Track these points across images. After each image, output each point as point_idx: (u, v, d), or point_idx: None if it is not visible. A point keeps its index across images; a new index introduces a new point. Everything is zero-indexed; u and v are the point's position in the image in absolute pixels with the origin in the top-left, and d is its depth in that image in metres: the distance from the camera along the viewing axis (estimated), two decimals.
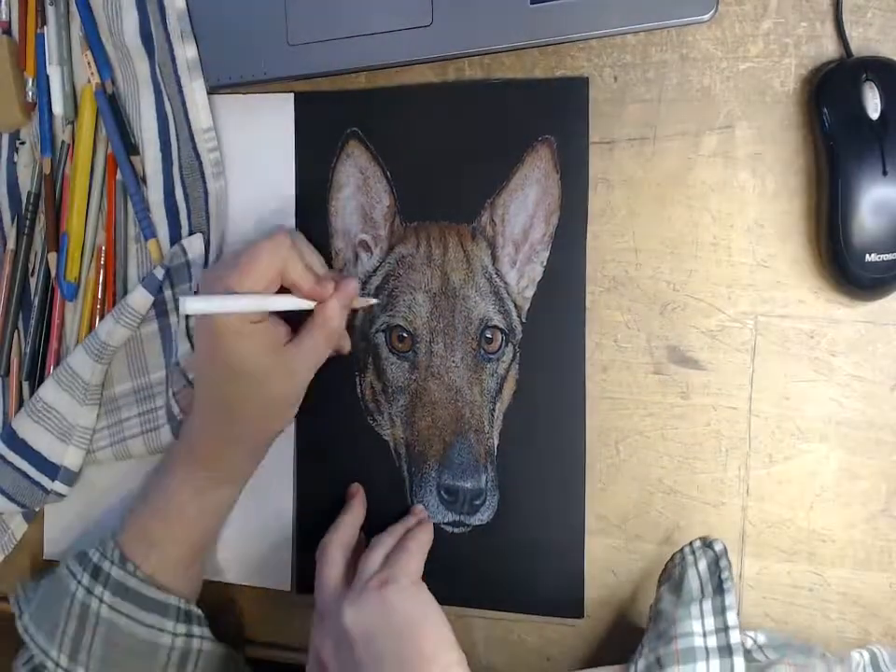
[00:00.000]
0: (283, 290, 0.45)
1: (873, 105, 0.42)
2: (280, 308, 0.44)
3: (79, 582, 0.46)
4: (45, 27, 0.53)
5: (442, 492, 0.50)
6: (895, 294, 0.44)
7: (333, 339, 0.46)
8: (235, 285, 0.42)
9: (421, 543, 0.47)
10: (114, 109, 0.52)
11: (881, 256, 0.42)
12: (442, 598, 0.50)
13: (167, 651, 0.46)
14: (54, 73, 0.53)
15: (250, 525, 0.53)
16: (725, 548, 0.41)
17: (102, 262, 0.54)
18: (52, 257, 0.54)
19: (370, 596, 0.41)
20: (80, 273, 0.54)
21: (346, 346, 0.50)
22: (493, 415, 0.49)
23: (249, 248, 0.44)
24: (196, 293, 0.50)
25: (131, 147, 0.52)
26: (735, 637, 0.37)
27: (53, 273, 0.54)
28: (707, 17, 0.44)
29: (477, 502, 0.49)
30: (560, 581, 0.49)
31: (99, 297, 0.54)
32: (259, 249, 0.43)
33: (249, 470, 0.49)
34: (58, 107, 0.54)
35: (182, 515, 0.47)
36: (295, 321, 0.46)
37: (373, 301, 0.49)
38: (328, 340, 0.46)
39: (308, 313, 0.45)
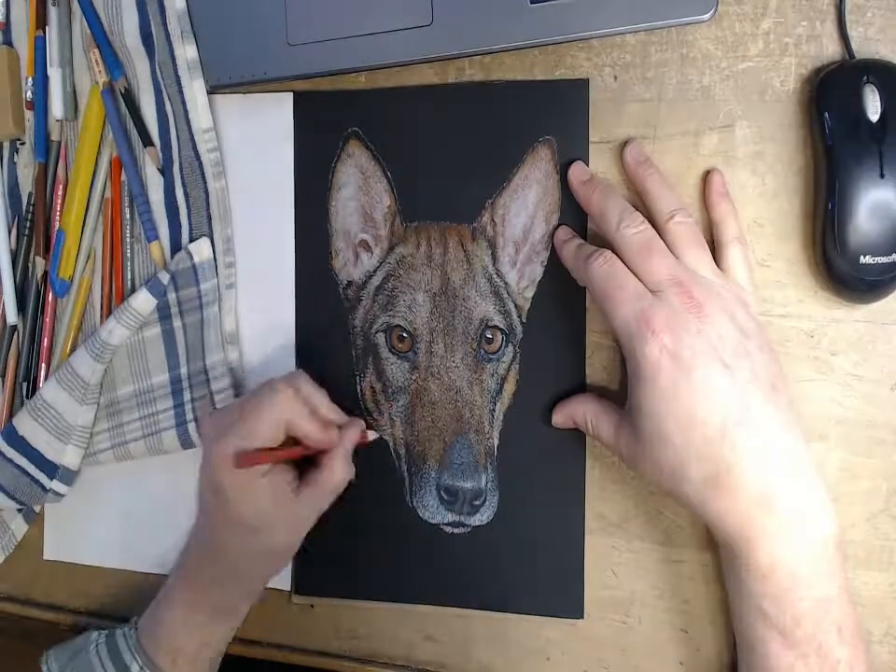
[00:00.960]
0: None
1: (873, 107, 0.42)
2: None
3: None
4: (46, 28, 0.53)
5: (442, 492, 0.50)
6: (895, 294, 0.44)
7: (339, 487, 0.47)
8: (238, 441, 0.43)
9: None
10: (129, 106, 0.52)
11: (876, 258, 0.42)
12: (442, 598, 0.50)
13: None
14: (55, 75, 0.53)
15: None
16: None
17: (108, 263, 0.54)
18: (40, 262, 0.55)
19: None
20: (74, 272, 0.54)
21: (351, 475, 0.48)
22: (493, 415, 0.49)
23: (253, 403, 0.45)
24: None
25: (147, 138, 0.52)
26: None
27: (39, 275, 0.55)
28: (706, 16, 0.44)
29: (477, 502, 0.49)
30: (560, 581, 0.49)
31: (108, 295, 0.54)
32: (262, 406, 0.44)
33: (247, 608, 0.49)
34: (58, 110, 0.53)
35: (184, 651, 0.47)
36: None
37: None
38: (334, 489, 0.46)
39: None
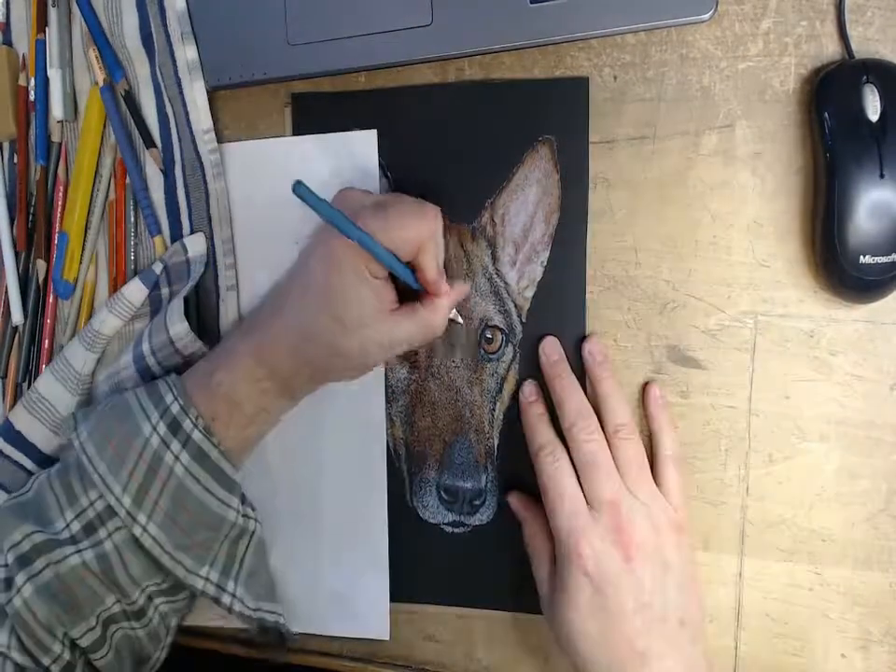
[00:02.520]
0: None
1: (872, 107, 0.42)
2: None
3: (155, 429, 0.44)
4: (46, 30, 0.53)
5: (442, 492, 0.50)
6: (895, 294, 0.44)
7: (430, 335, 0.46)
8: (377, 232, 0.41)
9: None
10: (130, 107, 0.52)
11: (875, 258, 0.42)
12: (442, 598, 0.50)
13: (230, 526, 0.46)
14: (55, 76, 0.53)
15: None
16: None
17: (114, 265, 0.54)
18: (42, 264, 0.55)
19: None
20: (79, 272, 0.54)
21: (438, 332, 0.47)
22: (493, 415, 0.49)
23: (402, 204, 0.43)
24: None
25: (149, 140, 0.52)
26: None
27: (41, 278, 0.55)
28: (706, 16, 0.44)
29: (477, 502, 0.49)
30: None
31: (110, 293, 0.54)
32: (412, 214, 0.43)
33: (309, 391, 0.48)
34: (58, 111, 0.53)
35: (241, 408, 0.46)
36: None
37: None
38: (425, 333, 0.45)
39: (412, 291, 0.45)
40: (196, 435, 0.44)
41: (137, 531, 0.43)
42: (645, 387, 0.48)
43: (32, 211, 0.55)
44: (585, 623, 0.42)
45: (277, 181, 0.51)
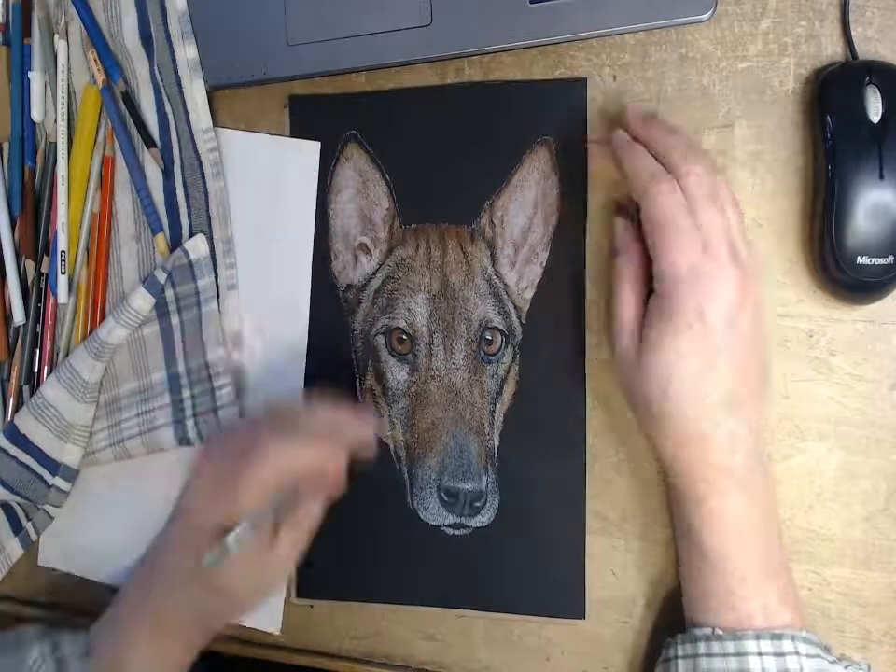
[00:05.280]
0: None
1: (874, 108, 0.42)
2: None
3: None
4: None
5: (443, 494, 0.50)
6: (894, 294, 0.44)
7: (314, 522, 0.46)
8: (236, 507, 0.42)
9: None
10: (129, 107, 0.52)
11: (873, 259, 0.42)
12: (443, 600, 0.50)
13: None
14: (36, 78, 0.53)
15: None
16: None
17: (94, 261, 0.54)
18: (31, 265, 0.55)
19: None
20: (74, 273, 0.54)
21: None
22: (493, 417, 0.49)
23: (233, 473, 0.43)
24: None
25: (149, 140, 0.52)
26: None
27: (31, 277, 0.55)
28: (705, 16, 0.44)
29: (477, 504, 0.49)
30: (560, 581, 0.49)
31: (91, 294, 0.54)
32: (239, 482, 0.43)
33: (203, 642, 0.48)
34: (37, 113, 0.54)
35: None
36: None
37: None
38: (310, 527, 0.45)
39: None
40: None
41: None
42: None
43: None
44: (684, 362, 0.40)
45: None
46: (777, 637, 0.39)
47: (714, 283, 0.39)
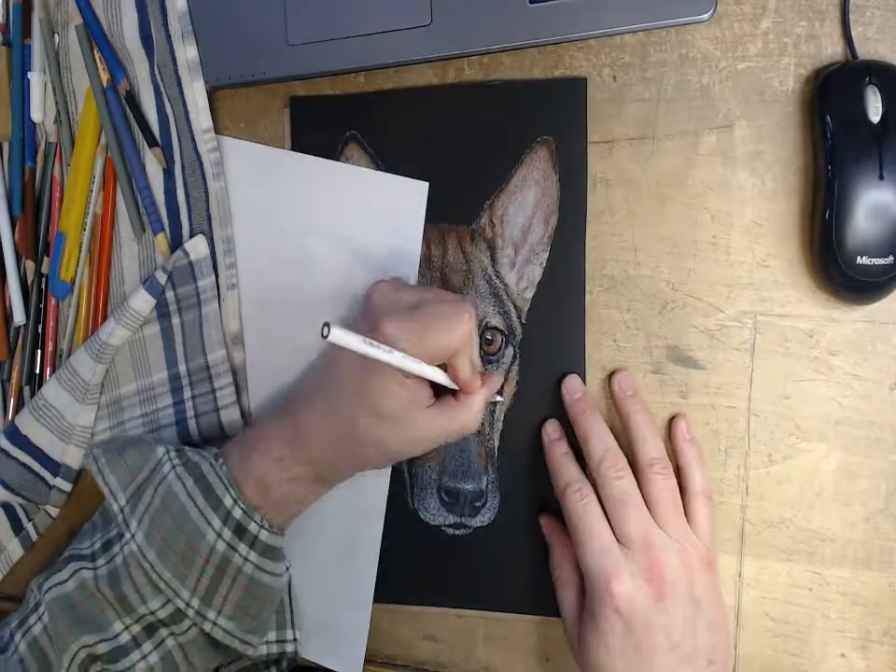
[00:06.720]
0: None
1: (874, 108, 0.42)
2: (431, 378, 0.43)
3: (219, 535, 0.44)
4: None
5: (443, 494, 0.50)
6: (894, 294, 0.44)
7: (464, 432, 0.46)
8: (410, 348, 0.41)
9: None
10: (132, 107, 0.52)
11: (872, 259, 0.42)
12: (443, 600, 0.50)
13: (285, 592, 0.49)
14: (35, 79, 0.53)
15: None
16: None
17: (100, 265, 0.54)
18: (30, 265, 0.55)
19: None
20: (76, 274, 0.54)
21: (474, 428, 0.47)
22: (493, 417, 0.49)
23: (432, 311, 0.42)
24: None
25: (152, 139, 0.52)
26: None
27: (31, 278, 0.55)
28: (705, 16, 0.44)
29: (477, 504, 0.49)
30: None
31: (93, 295, 0.54)
32: (442, 323, 0.42)
33: (342, 479, 0.48)
34: (36, 114, 0.54)
35: (271, 491, 0.46)
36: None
37: (499, 398, 0.49)
38: (460, 431, 0.45)
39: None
40: (263, 535, 0.45)
41: (207, 627, 0.44)
42: (671, 422, 0.47)
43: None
44: (615, 662, 0.42)
45: (321, 203, 0.51)
46: None
47: (622, 577, 0.42)
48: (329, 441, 0.45)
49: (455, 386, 0.44)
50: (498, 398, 0.49)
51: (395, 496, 0.51)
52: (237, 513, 0.45)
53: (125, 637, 0.44)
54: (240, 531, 0.44)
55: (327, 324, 0.37)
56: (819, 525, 0.46)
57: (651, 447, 0.45)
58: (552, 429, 0.48)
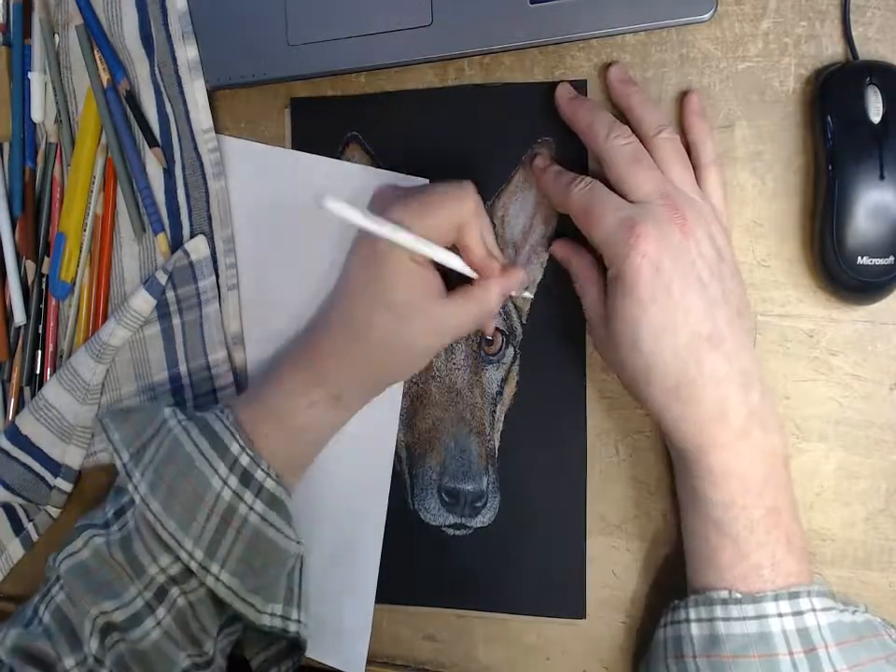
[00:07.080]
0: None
1: (875, 108, 0.42)
2: (442, 261, 0.42)
3: (225, 482, 0.43)
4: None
5: (443, 494, 0.50)
6: (894, 294, 0.44)
7: (482, 319, 0.45)
8: (410, 222, 0.40)
9: None
10: (132, 107, 0.52)
11: (873, 259, 0.42)
12: (443, 601, 0.50)
13: (294, 558, 0.46)
14: (36, 79, 0.53)
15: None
16: None
17: (100, 266, 0.54)
18: (31, 265, 0.55)
19: None
20: (76, 274, 0.54)
21: (490, 328, 0.47)
22: (494, 417, 0.49)
23: (434, 189, 0.43)
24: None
25: (152, 139, 0.52)
26: None
27: (31, 279, 0.55)
28: (706, 17, 0.44)
29: (478, 504, 0.49)
30: (561, 581, 0.49)
31: (93, 295, 0.54)
32: (444, 196, 0.42)
33: (362, 403, 0.47)
34: (37, 114, 0.54)
35: (288, 423, 0.45)
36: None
37: (529, 295, 0.48)
38: (478, 317, 0.44)
39: (463, 279, 0.44)
40: (269, 483, 0.44)
41: (210, 581, 0.43)
42: (684, 96, 0.46)
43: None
44: (648, 311, 0.39)
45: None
46: (794, 595, 0.38)
47: (660, 222, 0.40)
48: (347, 356, 0.44)
49: (471, 273, 0.44)
50: (526, 293, 0.48)
51: (395, 496, 0.51)
52: (244, 460, 0.44)
53: (139, 603, 0.43)
54: (246, 479, 0.44)
55: (324, 196, 0.36)
56: (819, 525, 0.46)
57: (655, 118, 0.44)
58: (540, 161, 0.47)
